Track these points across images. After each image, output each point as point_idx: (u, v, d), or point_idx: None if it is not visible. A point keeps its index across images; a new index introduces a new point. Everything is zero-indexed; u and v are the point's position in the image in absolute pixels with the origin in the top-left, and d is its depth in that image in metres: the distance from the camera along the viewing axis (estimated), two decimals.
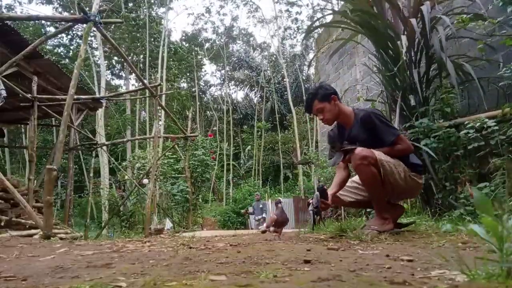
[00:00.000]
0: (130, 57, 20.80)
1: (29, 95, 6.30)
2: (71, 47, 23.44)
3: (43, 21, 17.69)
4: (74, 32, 22.37)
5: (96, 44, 19.50)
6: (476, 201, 0.87)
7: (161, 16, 23.07)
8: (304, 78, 25.92)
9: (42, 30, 20.56)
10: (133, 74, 21.15)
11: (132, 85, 22.55)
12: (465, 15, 3.73)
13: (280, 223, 2.55)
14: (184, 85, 28.28)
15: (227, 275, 1.01)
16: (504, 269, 0.78)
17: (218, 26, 29.62)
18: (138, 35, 20.75)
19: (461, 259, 0.87)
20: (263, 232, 2.70)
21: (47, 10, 25.82)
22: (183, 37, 28.27)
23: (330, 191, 2.53)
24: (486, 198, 0.86)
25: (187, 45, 26.81)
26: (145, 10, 21.59)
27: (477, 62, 4.12)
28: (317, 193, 2.44)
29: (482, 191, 2.94)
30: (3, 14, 5.41)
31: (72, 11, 20.09)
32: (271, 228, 2.57)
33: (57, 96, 7.09)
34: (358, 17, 4.28)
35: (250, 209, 13.02)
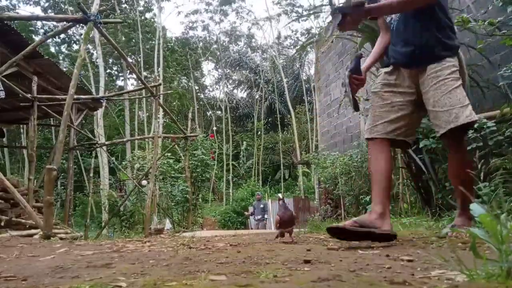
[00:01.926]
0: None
1: (29, 95, 6.31)
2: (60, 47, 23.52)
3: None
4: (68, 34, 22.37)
5: (92, 44, 19.51)
6: (475, 213, 0.86)
7: (151, 21, 23.16)
8: (305, 78, 25.92)
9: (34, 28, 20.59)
10: (130, 74, 21.28)
11: (132, 84, 22.60)
12: (465, 15, 3.74)
13: (286, 222, 2.17)
14: (185, 85, 28.34)
15: (227, 275, 1.01)
16: (504, 269, 0.78)
17: (208, 23, 29.63)
18: (131, 35, 20.86)
19: (461, 259, 0.87)
20: (278, 236, 2.28)
21: (34, 11, 25.76)
22: (177, 40, 28.27)
23: (364, 64, 2.08)
24: (486, 212, 0.85)
25: (180, 49, 26.81)
26: (139, 9, 21.69)
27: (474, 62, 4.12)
28: (349, 68, 1.96)
29: (482, 191, 2.94)
30: (3, 14, 5.42)
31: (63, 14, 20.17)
32: (278, 231, 2.26)
33: (57, 96, 7.09)
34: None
35: (250, 209, 13.00)
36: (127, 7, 22.73)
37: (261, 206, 12.13)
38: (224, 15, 29.61)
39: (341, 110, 7.83)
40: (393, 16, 2.00)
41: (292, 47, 29.35)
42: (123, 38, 20.70)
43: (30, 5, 21.96)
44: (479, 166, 3.17)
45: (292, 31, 29.48)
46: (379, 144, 2.00)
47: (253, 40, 32.28)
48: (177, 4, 41.53)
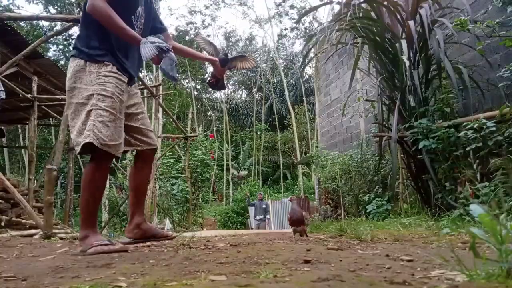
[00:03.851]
0: None
1: (29, 95, 6.31)
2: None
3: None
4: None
5: None
6: (475, 213, 0.86)
7: None
8: (306, 78, 25.90)
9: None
10: None
11: None
12: (463, 17, 3.75)
13: (295, 221, 2.32)
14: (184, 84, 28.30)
15: (227, 275, 1.01)
16: (504, 269, 0.78)
17: (198, 26, 29.66)
18: None
19: (461, 259, 0.87)
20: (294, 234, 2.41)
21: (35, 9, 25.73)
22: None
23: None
24: (487, 214, 0.85)
25: None
26: None
27: (473, 63, 4.13)
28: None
29: (482, 191, 2.94)
30: (3, 14, 5.42)
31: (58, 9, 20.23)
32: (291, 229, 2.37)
33: (57, 96, 7.09)
34: (356, 23, 4.30)
35: (251, 210, 12.97)
36: None
37: (263, 206, 12.09)
38: (213, 20, 29.58)
39: (340, 110, 7.84)
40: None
41: (299, 39, 29.10)
42: None
43: (36, 4, 21.93)
44: (475, 166, 3.18)
45: (297, 27, 29.21)
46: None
47: (254, 41, 32.24)
48: (171, 7, 41.57)
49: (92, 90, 1.80)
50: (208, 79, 2.50)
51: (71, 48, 2.04)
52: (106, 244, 1.74)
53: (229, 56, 2.44)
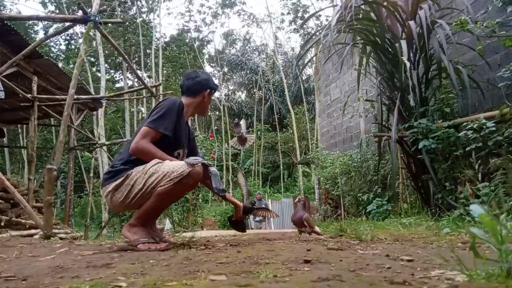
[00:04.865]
0: (120, 58, 21.20)
1: (29, 95, 6.30)
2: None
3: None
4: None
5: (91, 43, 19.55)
6: (475, 213, 0.86)
7: (150, 22, 23.33)
8: (305, 78, 25.88)
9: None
10: (129, 75, 21.37)
11: (129, 86, 22.65)
12: (463, 17, 3.74)
13: (296, 223, 2.41)
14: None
15: (227, 275, 1.01)
16: (504, 269, 0.78)
17: (200, 25, 29.66)
18: (128, 35, 21.01)
19: (461, 259, 0.87)
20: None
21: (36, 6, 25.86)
22: (171, 39, 28.24)
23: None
24: (487, 214, 0.84)
25: (172, 47, 26.81)
26: (143, 10, 21.75)
27: (474, 63, 4.12)
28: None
29: (482, 191, 2.94)
30: (3, 14, 5.42)
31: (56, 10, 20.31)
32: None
33: (57, 96, 7.09)
34: (357, 24, 4.29)
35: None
36: (129, 4, 22.79)
37: (262, 206, 12.05)
38: (214, 17, 29.52)
39: (340, 110, 7.83)
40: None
41: (289, 39, 29.21)
42: (123, 39, 20.80)
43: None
44: (477, 166, 3.17)
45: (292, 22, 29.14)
46: None
47: (252, 40, 32.28)
48: (169, 6, 41.75)
49: (140, 174, 1.94)
50: (232, 217, 2.53)
51: (103, 178, 2.14)
52: (153, 243, 1.91)
53: (255, 206, 2.56)
